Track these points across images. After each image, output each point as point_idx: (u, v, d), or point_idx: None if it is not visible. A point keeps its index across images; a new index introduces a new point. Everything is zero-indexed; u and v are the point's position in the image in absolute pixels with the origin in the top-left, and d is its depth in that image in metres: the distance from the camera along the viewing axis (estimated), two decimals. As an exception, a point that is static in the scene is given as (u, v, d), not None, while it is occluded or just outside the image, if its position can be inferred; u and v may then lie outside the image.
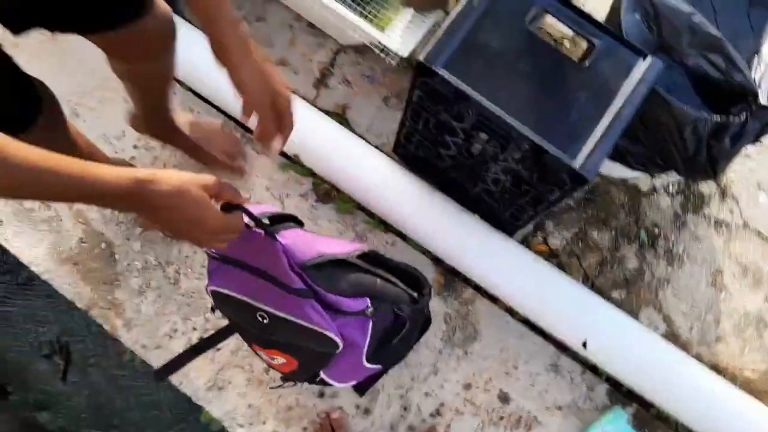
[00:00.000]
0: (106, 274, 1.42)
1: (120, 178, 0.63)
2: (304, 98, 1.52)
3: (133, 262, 1.43)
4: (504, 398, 1.40)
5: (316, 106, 1.50)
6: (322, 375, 1.09)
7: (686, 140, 1.24)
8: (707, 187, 1.60)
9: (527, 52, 1.10)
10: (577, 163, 1.05)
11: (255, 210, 0.87)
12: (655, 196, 1.58)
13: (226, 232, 0.75)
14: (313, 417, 1.35)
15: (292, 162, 1.49)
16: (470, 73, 1.07)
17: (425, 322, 1.37)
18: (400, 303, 1.07)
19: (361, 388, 1.37)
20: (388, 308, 1.07)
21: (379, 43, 1.41)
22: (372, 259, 1.06)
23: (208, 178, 0.71)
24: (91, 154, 1.17)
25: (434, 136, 1.26)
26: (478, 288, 1.46)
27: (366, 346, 1.05)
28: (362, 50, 1.58)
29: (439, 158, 1.34)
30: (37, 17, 0.86)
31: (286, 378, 1.18)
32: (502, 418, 1.38)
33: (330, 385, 1.14)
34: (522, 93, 1.09)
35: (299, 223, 1.03)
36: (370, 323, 1.00)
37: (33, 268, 1.45)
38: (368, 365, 1.12)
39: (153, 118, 1.29)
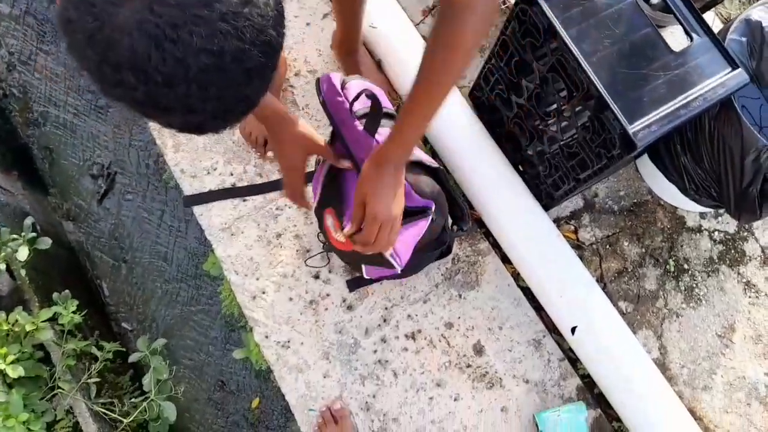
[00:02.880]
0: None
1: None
2: (410, 19, 1.60)
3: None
4: (478, 350, 1.42)
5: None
6: None
7: (745, 168, 1.24)
8: (751, 247, 1.58)
9: (627, 20, 1.15)
10: (632, 128, 1.08)
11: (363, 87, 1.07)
12: (697, 235, 1.58)
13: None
14: (303, 293, 1.42)
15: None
16: (567, 16, 1.12)
17: (446, 250, 1.42)
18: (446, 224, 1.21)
19: (354, 285, 1.43)
20: (440, 222, 1.16)
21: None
22: (441, 174, 1.16)
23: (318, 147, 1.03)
24: None
25: (511, 77, 1.31)
26: (495, 245, 1.49)
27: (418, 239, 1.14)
28: None
29: (508, 107, 1.39)
30: None
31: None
32: (469, 366, 1.41)
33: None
34: (607, 52, 1.13)
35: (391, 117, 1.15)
36: (427, 222, 1.09)
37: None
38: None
39: (347, 41, 1.50)
